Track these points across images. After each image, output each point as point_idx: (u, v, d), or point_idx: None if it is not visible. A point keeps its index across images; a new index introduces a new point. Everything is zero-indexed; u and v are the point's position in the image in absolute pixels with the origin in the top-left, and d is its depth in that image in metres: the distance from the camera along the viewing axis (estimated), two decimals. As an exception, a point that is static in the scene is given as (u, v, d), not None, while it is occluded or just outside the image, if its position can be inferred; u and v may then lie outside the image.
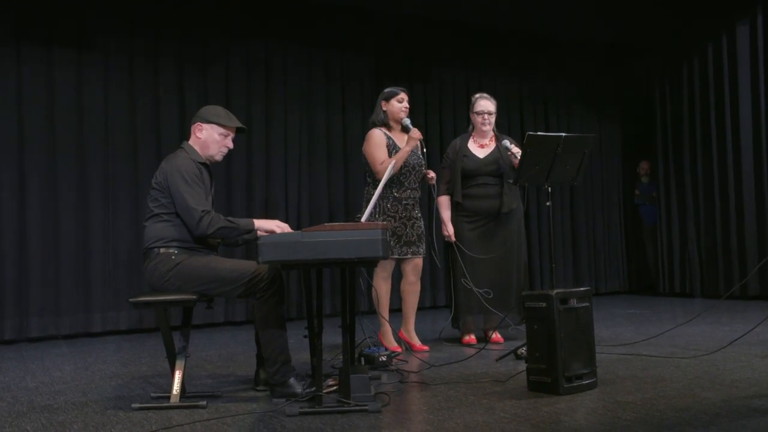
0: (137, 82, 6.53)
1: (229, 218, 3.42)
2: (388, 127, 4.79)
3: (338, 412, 3.04)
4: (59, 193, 6.13)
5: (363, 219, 3.46)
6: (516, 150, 4.87)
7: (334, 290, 7.06)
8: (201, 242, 3.46)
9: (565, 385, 3.26)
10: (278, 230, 3.34)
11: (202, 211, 3.35)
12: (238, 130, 3.67)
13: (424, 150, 4.82)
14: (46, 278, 6.02)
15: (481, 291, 4.72)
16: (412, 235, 4.74)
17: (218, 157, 3.65)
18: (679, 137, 8.48)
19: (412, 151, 4.70)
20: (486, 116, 5.02)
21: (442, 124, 8.13)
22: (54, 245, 6.08)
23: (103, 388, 3.83)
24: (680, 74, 8.44)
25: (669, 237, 8.64)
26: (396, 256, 4.70)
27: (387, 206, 4.69)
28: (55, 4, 6.19)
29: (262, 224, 3.41)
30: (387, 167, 4.47)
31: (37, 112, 6.09)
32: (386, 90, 4.83)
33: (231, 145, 3.67)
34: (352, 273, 3.56)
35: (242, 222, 3.43)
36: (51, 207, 6.09)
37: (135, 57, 6.53)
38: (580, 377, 3.34)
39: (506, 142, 4.98)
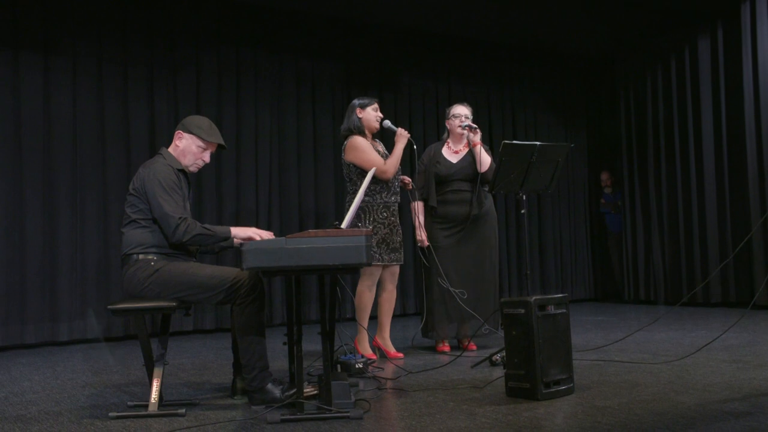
0: (106, 87, 6.42)
1: (206, 225, 3.40)
2: (363, 135, 4.80)
3: (320, 419, 3.03)
4: (25, 199, 5.98)
5: (344, 226, 3.44)
6: (473, 126, 4.99)
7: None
8: (180, 248, 3.42)
9: (544, 391, 3.30)
10: (257, 237, 3.31)
11: (179, 218, 3.32)
12: (219, 147, 3.64)
13: (415, 147, 4.84)
14: (11, 286, 5.87)
15: (456, 291, 4.75)
16: (396, 242, 4.74)
17: (192, 169, 3.61)
18: (643, 147, 8.66)
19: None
20: (464, 118, 5.08)
21: (411, 132, 8.09)
22: (20, 253, 5.93)
23: (76, 397, 3.75)
24: (645, 86, 8.63)
25: (634, 245, 8.80)
26: (385, 263, 4.68)
27: (377, 214, 4.67)
28: (21, 7, 6.07)
29: (239, 232, 3.40)
30: (392, 165, 4.60)
31: (1, 117, 5.95)
32: (361, 99, 4.83)
33: (207, 160, 3.63)
34: (333, 280, 3.55)
35: (218, 229, 3.42)
36: (16, 214, 5.95)
37: (103, 61, 6.43)
38: (558, 383, 3.38)
39: (464, 122, 5.05)
